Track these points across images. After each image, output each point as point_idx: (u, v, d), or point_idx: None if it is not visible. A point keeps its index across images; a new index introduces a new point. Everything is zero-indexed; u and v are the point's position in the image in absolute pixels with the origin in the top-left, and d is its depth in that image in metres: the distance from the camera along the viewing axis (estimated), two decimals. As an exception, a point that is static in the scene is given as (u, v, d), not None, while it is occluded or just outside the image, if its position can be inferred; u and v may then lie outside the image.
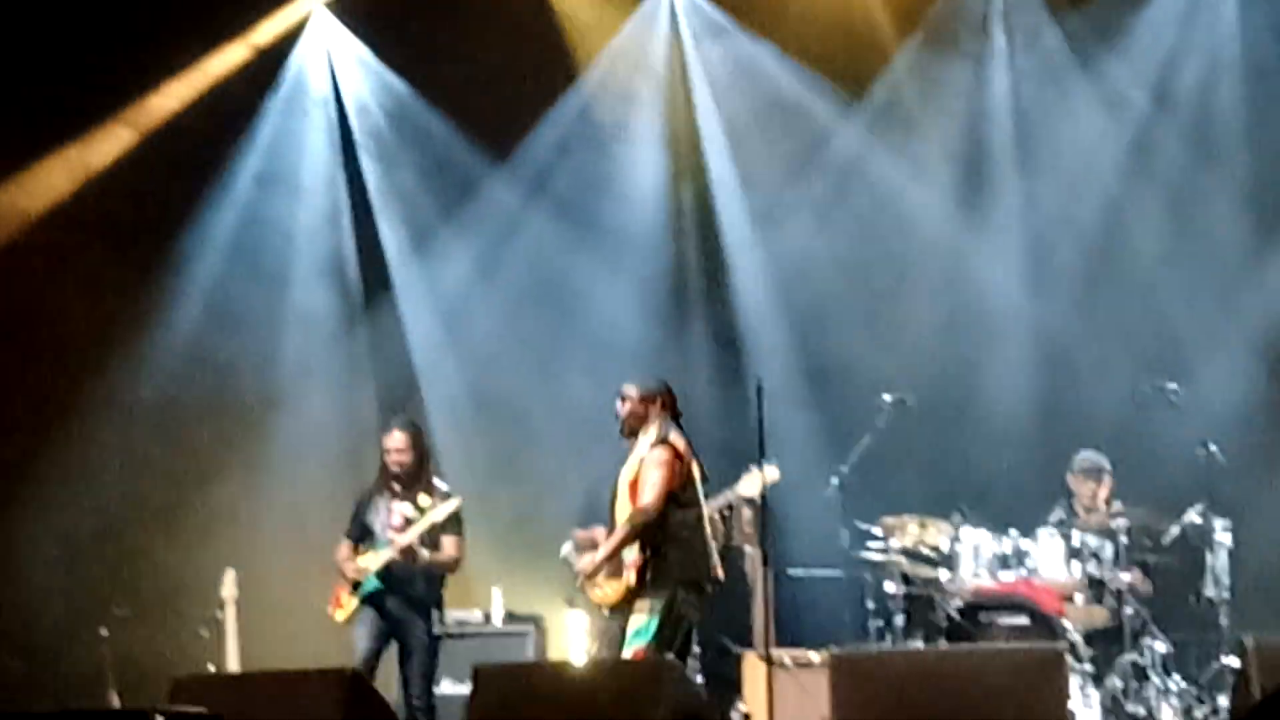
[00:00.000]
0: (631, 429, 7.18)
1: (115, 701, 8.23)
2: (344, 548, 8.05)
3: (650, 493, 6.92)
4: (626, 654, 6.89)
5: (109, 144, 9.83)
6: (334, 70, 10.49)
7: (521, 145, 10.36)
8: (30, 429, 9.46)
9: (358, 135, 10.49)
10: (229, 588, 8.11)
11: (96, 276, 9.60)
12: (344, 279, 10.47)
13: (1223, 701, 7.45)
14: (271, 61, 10.30)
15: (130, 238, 9.77)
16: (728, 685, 8.28)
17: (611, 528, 7.06)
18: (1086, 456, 8.56)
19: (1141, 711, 7.65)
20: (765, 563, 7.44)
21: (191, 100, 9.92)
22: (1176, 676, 7.85)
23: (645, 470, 6.98)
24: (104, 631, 8.66)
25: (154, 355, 9.95)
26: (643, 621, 6.92)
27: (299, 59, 10.41)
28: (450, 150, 10.38)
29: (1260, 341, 9.58)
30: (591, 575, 7.08)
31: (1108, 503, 8.37)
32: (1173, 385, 8.48)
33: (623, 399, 7.22)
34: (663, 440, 7.02)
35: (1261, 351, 9.55)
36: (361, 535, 8.04)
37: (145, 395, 9.84)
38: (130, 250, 9.78)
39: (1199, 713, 7.74)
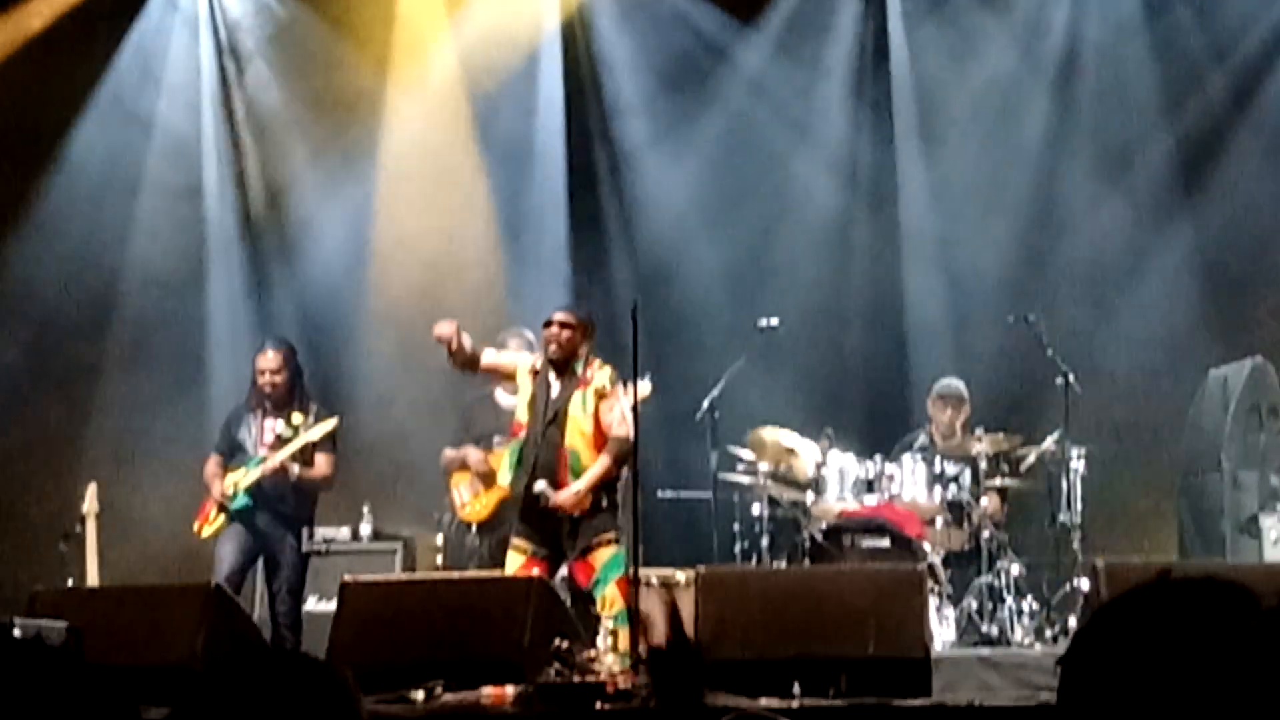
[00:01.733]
0: (566, 358, 7.07)
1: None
2: (213, 463, 8.03)
3: (627, 424, 6.95)
4: (610, 590, 6.87)
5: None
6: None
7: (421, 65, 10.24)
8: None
9: (236, 54, 10.26)
10: (90, 502, 8.01)
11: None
12: (231, 197, 10.26)
13: (1072, 622, 7.68)
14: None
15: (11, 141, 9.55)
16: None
17: (554, 459, 6.99)
18: (945, 383, 8.71)
19: (995, 631, 7.85)
20: (635, 483, 7.50)
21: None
22: (1029, 597, 8.07)
23: (612, 403, 6.99)
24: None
25: (22, 265, 9.75)
26: (615, 552, 6.97)
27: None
28: (340, 69, 10.19)
29: (1119, 271, 9.82)
30: (573, 508, 7.00)
31: (964, 429, 8.52)
32: (1033, 316, 8.64)
33: (565, 326, 7.07)
34: (617, 373, 7.05)
35: (1118, 282, 9.79)
36: (232, 451, 8.00)
37: (11, 305, 9.65)
38: (15, 153, 9.57)
39: (1049, 633, 7.96)
